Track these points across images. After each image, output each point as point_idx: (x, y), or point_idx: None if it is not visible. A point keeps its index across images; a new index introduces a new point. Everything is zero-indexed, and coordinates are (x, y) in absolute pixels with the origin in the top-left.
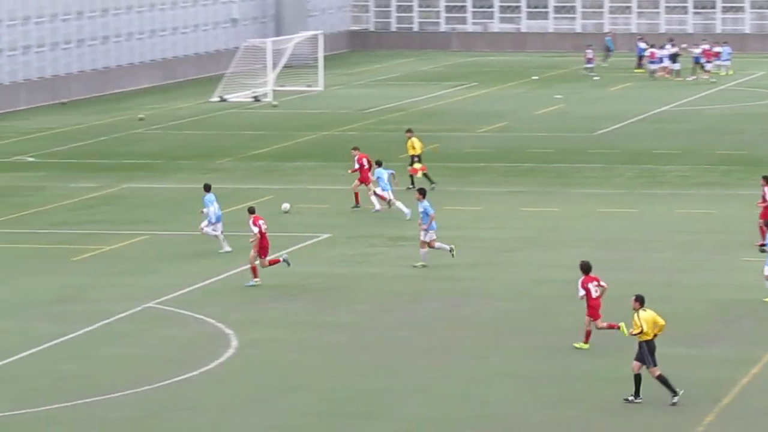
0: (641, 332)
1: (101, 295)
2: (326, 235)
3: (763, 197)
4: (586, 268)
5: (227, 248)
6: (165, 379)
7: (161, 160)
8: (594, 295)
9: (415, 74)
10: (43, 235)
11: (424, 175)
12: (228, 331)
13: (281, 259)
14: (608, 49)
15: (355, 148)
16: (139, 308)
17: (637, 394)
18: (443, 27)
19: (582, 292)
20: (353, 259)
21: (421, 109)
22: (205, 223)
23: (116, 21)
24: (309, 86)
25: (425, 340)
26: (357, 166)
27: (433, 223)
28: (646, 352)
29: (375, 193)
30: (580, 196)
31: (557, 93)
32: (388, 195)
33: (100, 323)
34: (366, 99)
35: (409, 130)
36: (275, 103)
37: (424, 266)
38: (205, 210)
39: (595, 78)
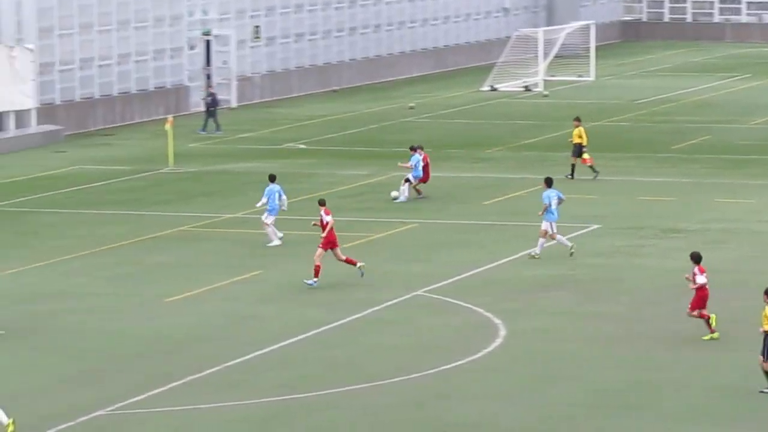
0: None
1: (370, 282)
2: (596, 226)
3: None
4: (697, 258)
5: (277, 241)
6: (432, 368)
7: (431, 149)
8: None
9: (687, 65)
10: None
11: (590, 166)
12: (496, 320)
13: (358, 265)
14: None
15: (415, 146)
16: (408, 296)
17: None
18: (717, 18)
19: (704, 279)
20: (622, 251)
21: (692, 101)
22: (266, 215)
23: (388, 9)
24: (580, 76)
25: (693, 333)
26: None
27: (555, 214)
28: None
29: (408, 180)
30: None
31: None
32: (415, 182)
33: (369, 310)
34: (637, 89)
35: (577, 119)
36: (546, 92)
37: (537, 257)
38: (258, 204)
39: None
